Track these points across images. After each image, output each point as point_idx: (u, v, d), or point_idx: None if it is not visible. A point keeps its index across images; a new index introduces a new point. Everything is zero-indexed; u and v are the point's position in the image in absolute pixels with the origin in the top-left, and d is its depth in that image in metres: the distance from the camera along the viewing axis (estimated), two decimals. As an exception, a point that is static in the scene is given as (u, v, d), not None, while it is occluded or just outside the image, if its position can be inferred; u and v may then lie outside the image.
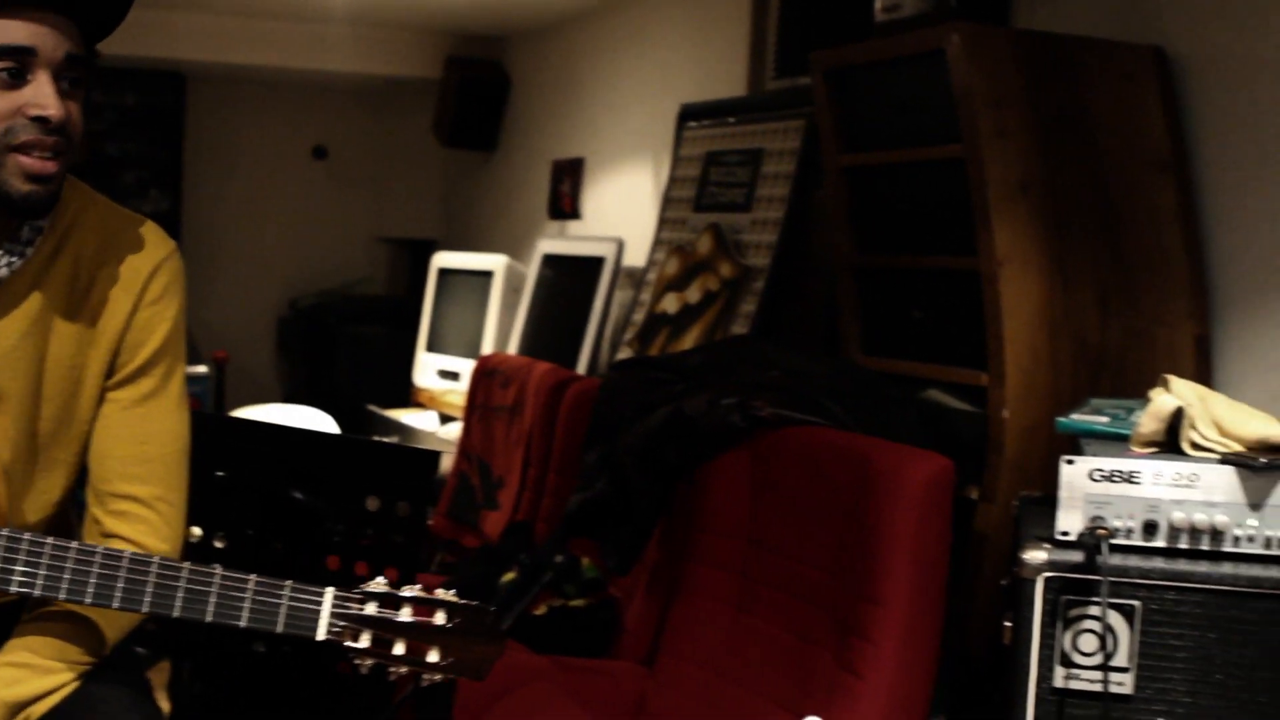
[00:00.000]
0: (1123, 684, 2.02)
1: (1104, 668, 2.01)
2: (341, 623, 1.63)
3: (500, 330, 5.17)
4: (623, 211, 5.14)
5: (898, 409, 2.77)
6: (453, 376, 5.33)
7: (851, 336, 3.10)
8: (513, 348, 4.96)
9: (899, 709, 2.34)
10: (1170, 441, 2.10)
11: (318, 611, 1.63)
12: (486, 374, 4.22)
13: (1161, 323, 2.83)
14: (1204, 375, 2.83)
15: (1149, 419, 2.10)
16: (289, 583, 1.63)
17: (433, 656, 1.64)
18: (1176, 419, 2.09)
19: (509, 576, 3.08)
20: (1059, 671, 2.03)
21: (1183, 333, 2.84)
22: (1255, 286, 2.83)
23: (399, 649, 1.63)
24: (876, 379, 2.89)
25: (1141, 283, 2.82)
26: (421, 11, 6.07)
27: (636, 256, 4.49)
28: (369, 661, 1.63)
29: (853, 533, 2.45)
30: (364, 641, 1.63)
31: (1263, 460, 1.98)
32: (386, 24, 6.47)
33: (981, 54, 2.72)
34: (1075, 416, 2.28)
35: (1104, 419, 2.25)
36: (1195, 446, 2.07)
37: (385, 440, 4.20)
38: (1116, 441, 2.16)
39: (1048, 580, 2.03)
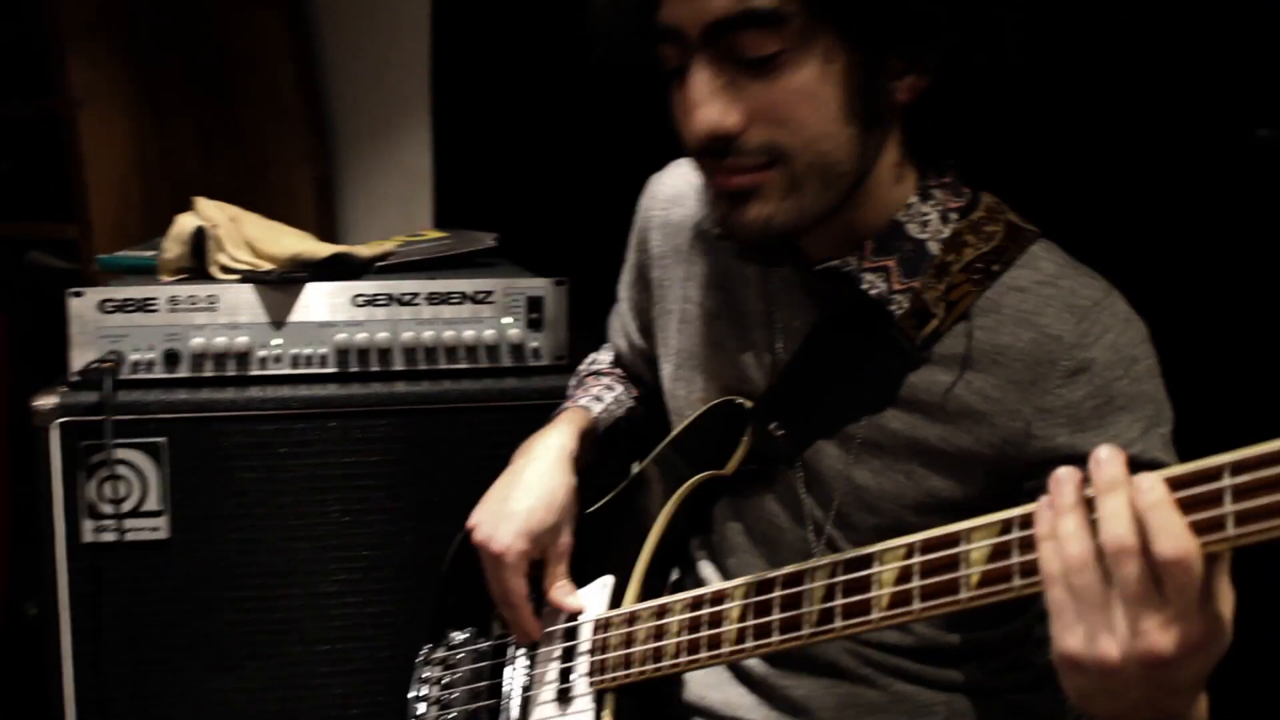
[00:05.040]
0: (158, 529, 1.87)
1: (121, 515, 1.83)
2: None
3: None
4: None
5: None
6: None
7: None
8: None
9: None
10: (201, 266, 1.97)
11: None
12: None
13: (276, 164, 2.71)
14: (325, 215, 2.76)
15: (171, 243, 1.95)
16: None
17: None
18: (200, 241, 1.95)
19: None
20: (88, 525, 1.85)
21: (300, 174, 2.74)
22: (373, 125, 2.79)
23: None
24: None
25: (251, 123, 2.69)
26: None
27: None
28: None
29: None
30: None
31: (276, 273, 1.89)
32: None
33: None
34: (121, 253, 2.10)
35: (150, 252, 2.08)
36: (225, 270, 1.95)
37: None
38: (150, 273, 2.00)
39: (64, 426, 1.83)
